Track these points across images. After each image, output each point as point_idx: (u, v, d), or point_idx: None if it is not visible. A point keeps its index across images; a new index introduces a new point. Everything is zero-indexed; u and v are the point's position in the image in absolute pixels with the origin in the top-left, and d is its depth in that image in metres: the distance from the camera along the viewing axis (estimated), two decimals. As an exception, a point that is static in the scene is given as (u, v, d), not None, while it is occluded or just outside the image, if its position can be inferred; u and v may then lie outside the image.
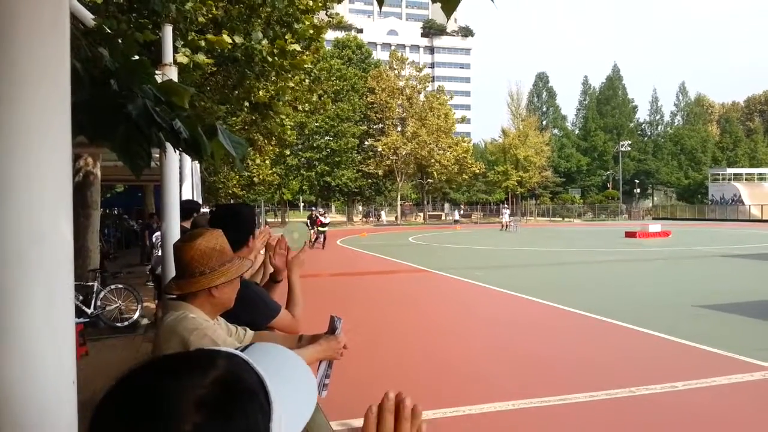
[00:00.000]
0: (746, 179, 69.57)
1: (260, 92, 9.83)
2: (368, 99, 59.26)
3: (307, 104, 12.71)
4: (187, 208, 5.98)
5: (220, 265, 1.96)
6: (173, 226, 4.43)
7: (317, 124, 53.89)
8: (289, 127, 14.75)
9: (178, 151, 2.77)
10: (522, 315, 10.01)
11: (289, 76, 9.81)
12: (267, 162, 33.57)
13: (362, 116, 60.09)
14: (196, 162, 7.67)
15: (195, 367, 0.67)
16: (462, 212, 65.11)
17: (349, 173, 58.50)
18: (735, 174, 70.88)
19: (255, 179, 38.88)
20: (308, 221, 24.59)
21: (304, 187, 61.03)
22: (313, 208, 32.83)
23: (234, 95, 9.48)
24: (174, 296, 1.98)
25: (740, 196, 64.59)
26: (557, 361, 7.09)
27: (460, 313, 10.56)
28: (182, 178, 6.73)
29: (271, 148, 32.94)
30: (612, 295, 11.62)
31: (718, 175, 72.00)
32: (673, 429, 4.93)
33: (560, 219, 65.14)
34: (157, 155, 4.32)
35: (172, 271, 2.22)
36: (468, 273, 15.30)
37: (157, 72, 3.09)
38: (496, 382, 6.22)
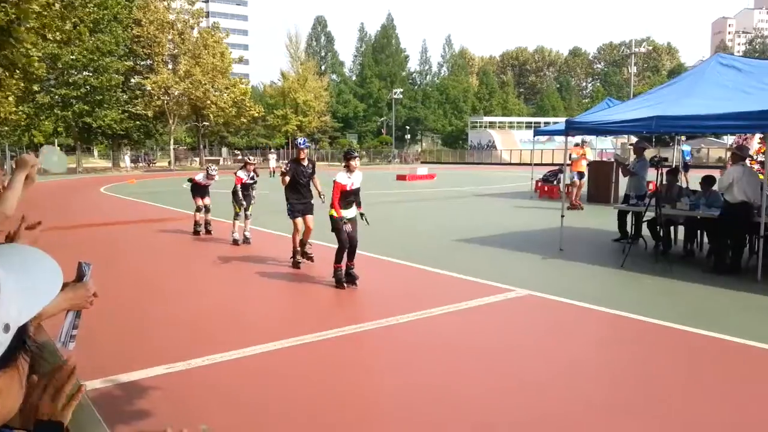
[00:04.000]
0: (499, 127, 77.87)
1: (-6, 13, 8.15)
2: (134, 32, 53.82)
3: (58, 33, 11.01)
4: None
5: None
6: None
7: (73, 57, 47.60)
8: (36, 58, 12.72)
9: None
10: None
11: (32, -3, 8.26)
12: (10, 98, 28.98)
13: (127, 51, 54.46)
14: None
15: None
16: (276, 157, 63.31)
17: (114, 114, 52.97)
18: (490, 122, 78.94)
19: (-6, 118, 33.37)
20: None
21: (59, 129, 54.17)
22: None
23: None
24: None
25: (494, 142, 72.30)
26: (330, 299, 7.20)
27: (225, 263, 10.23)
28: None
29: (15, 82, 28.46)
30: (384, 233, 12.17)
31: (477, 123, 79.63)
32: (430, 348, 5.27)
33: (339, 163, 66.89)
34: None
35: None
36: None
37: None
38: (256, 327, 6.10)
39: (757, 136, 17.48)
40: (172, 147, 59.89)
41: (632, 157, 12.59)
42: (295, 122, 68.84)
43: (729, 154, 16.48)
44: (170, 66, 56.81)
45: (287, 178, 8.75)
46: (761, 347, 5.37)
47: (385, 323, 6.11)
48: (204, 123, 58.58)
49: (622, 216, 11.17)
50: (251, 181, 11.50)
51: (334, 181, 7.43)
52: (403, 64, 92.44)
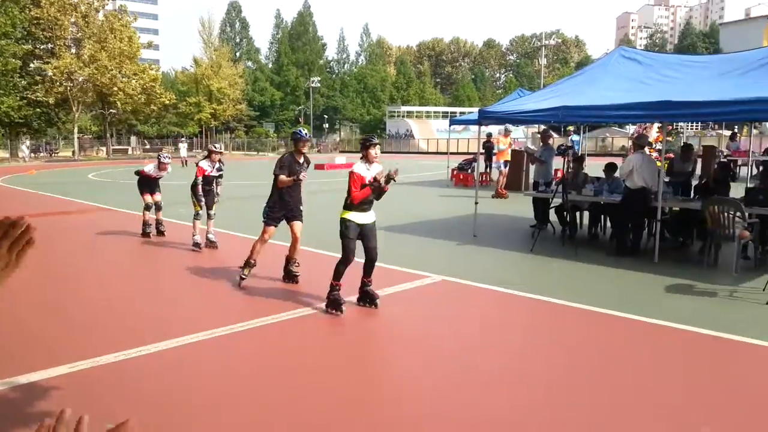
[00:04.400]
0: (416, 116, 78.73)
1: None
2: (32, 13, 50.27)
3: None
4: None
5: None
6: None
7: (-38, 38, 44.08)
8: None
9: None
10: (223, 248, 9.70)
11: None
12: None
13: (25, 33, 50.84)
14: None
15: None
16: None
17: (11, 101, 49.33)
18: (408, 112, 79.69)
19: None
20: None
21: (-53, 116, 50.09)
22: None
23: None
24: None
25: (412, 131, 73.09)
26: (251, 290, 7.06)
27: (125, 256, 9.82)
28: None
29: None
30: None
31: (395, 112, 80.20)
32: (343, 337, 5.26)
33: (255, 153, 65.58)
34: None
35: None
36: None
37: None
38: (166, 322, 5.90)
39: (656, 125, 18.58)
40: (76, 136, 56.65)
41: (539, 145, 13.07)
42: (208, 110, 66.79)
43: (630, 142, 17.39)
44: (74, 50, 53.61)
45: (284, 177, 7.03)
46: (661, 324, 5.71)
47: (294, 315, 6.05)
48: (111, 111, 55.70)
49: (537, 202, 11.57)
50: (216, 174, 9.66)
51: (352, 173, 6.14)
52: (321, 52, 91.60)
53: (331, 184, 23.00)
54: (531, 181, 15.94)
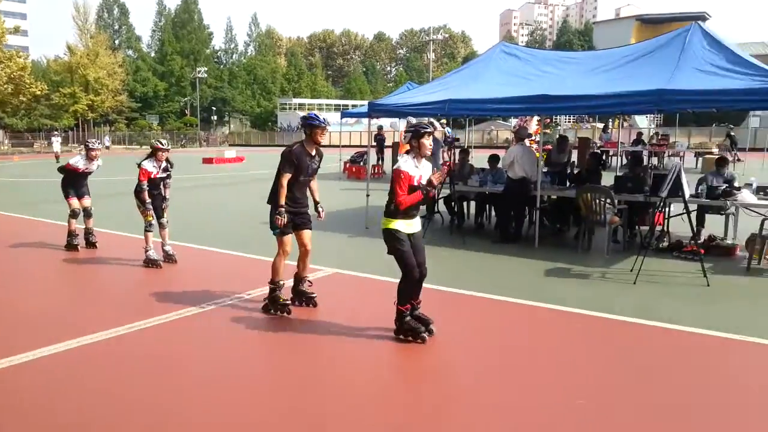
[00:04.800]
0: (308, 109, 77.96)
1: None
2: None
3: None
4: None
5: None
6: None
7: None
8: None
9: None
10: (102, 248, 9.11)
11: None
12: None
13: None
14: None
15: None
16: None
17: None
18: (299, 104, 78.83)
19: None
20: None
21: None
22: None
23: None
24: None
25: (304, 124, 72.36)
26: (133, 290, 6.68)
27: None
28: None
29: None
30: (189, 220, 11.59)
31: (286, 104, 79.12)
32: (236, 334, 5.13)
33: (138, 147, 62.35)
34: None
35: None
36: (29, 208, 13.32)
37: None
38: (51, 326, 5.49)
39: (535, 118, 19.56)
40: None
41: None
42: (85, 101, 62.76)
43: (513, 135, 18.21)
44: (-76, 34, 48.43)
45: (287, 176, 5.62)
46: (540, 306, 6.04)
47: (186, 313, 5.83)
48: (-28, 101, 50.93)
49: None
50: (164, 175, 8.09)
51: (397, 171, 4.90)
52: (207, 42, 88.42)
53: (218, 179, 22.37)
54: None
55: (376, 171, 21.60)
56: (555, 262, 7.98)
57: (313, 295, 6.10)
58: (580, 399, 3.97)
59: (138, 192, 7.81)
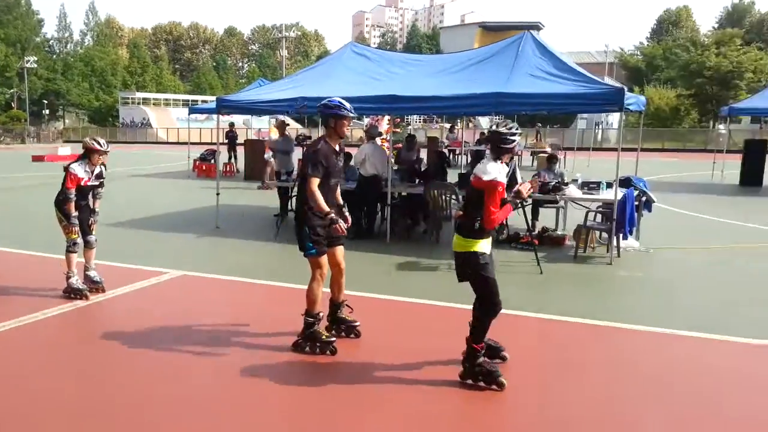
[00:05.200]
0: (154, 104, 73.96)
1: None
2: None
3: None
4: None
5: None
6: None
7: None
8: None
9: None
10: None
11: None
12: None
13: None
14: None
15: None
16: None
17: None
18: (144, 98, 74.42)
19: None
20: None
21: None
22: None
23: None
24: None
25: (149, 119, 68.40)
26: None
27: None
28: None
29: None
30: (20, 223, 10.53)
31: (128, 99, 74.24)
32: (75, 344, 4.76)
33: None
34: None
35: None
36: None
37: None
38: None
39: (386, 117, 20.11)
40: None
41: (275, 135, 13.26)
42: None
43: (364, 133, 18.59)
44: None
45: (316, 180, 4.66)
46: (394, 299, 6.23)
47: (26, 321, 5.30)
48: None
49: (281, 191, 11.65)
50: (96, 183, 6.35)
51: (494, 183, 4.09)
52: (37, 29, 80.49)
53: (51, 178, 20.46)
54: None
55: (227, 169, 21.00)
56: (406, 256, 8.27)
57: (357, 324, 5.19)
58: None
59: (62, 202, 6.12)
